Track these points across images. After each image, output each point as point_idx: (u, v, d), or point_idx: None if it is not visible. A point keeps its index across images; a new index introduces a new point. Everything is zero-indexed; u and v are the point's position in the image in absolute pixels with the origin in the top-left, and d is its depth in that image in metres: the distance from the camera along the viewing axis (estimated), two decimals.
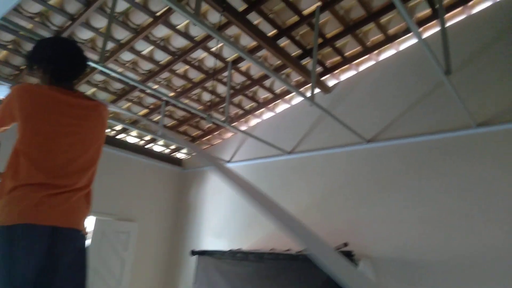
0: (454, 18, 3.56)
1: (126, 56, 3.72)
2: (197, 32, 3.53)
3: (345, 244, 3.38)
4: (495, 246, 2.90)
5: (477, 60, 3.36)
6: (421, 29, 3.63)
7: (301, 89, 4.44)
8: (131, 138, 5.26)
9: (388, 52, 3.97)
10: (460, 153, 3.27)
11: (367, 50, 3.92)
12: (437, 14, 3.43)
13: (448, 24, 3.55)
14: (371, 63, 4.11)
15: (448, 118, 3.37)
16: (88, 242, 1.75)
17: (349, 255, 3.39)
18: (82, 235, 1.66)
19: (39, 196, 1.51)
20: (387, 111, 3.83)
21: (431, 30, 3.65)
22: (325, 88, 4.32)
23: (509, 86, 3.14)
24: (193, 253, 4.37)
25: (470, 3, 3.44)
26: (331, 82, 4.40)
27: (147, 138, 5.30)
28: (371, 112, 3.95)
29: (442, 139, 3.39)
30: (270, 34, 3.60)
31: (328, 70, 4.20)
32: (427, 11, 3.50)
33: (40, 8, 3.04)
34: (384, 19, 3.61)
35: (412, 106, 3.66)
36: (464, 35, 3.45)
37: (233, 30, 3.56)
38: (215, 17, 3.29)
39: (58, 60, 1.71)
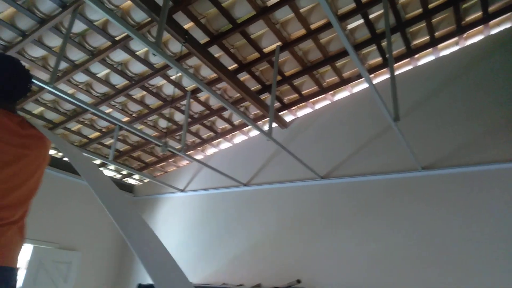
0: (402, 68, 3.83)
1: (80, 77, 3.59)
2: (157, 59, 3.50)
3: (298, 281, 3.37)
4: (438, 285, 3.00)
5: (422, 107, 3.60)
6: (372, 75, 3.85)
7: (259, 122, 4.50)
8: None
9: (343, 93, 4.16)
10: (406, 193, 3.42)
11: (323, 90, 4.07)
12: (387, 63, 3.66)
13: (397, 72, 3.81)
14: (326, 102, 4.27)
15: (396, 160, 3.54)
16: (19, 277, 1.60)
17: None
18: (15, 273, 1.51)
19: None
20: (340, 149, 3.96)
21: (382, 76, 3.88)
22: (282, 123, 4.41)
23: (451, 133, 3.38)
24: (140, 287, 4.13)
25: (417, 55, 3.72)
26: (288, 118, 4.50)
27: (97, 162, 5.06)
28: (325, 149, 4.07)
29: (390, 179, 3.54)
30: (230, 67, 3.65)
31: (286, 106, 4.30)
32: (378, 59, 3.72)
33: None
34: (339, 63, 3.79)
35: (363, 146, 3.82)
36: (411, 84, 3.70)
37: (194, 61, 3.57)
38: (176, 46, 3.29)
39: (5, 80, 1.56)
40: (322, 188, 3.93)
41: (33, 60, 3.26)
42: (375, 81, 3.89)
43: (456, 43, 3.62)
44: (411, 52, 3.64)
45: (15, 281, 1.51)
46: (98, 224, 5.06)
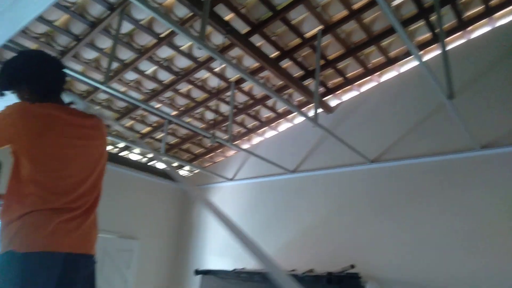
0: (454, 42, 3.60)
1: (130, 75, 3.76)
2: (201, 53, 3.58)
3: (352, 266, 3.34)
4: (497, 269, 2.85)
5: (478, 83, 3.38)
6: (421, 52, 3.66)
7: (303, 109, 4.47)
8: (134, 155, 5.28)
9: (390, 74, 4.00)
10: (463, 175, 3.25)
11: (368, 72, 3.95)
12: (437, 38, 3.47)
13: (448, 47, 3.59)
14: (372, 84, 4.13)
15: (450, 140, 3.37)
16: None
17: (356, 277, 3.35)
18: (94, 260, 1.65)
19: (54, 223, 1.47)
20: (390, 131, 3.83)
21: (431, 54, 3.69)
22: (327, 108, 4.34)
23: (510, 109, 3.15)
24: (197, 272, 4.32)
25: (470, 27, 3.48)
26: (333, 102, 4.42)
27: (150, 155, 5.31)
28: (374, 132, 3.96)
29: (445, 160, 3.38)
30: (272, 55, 3.64)
31: (330, 91, 4.23)
32: (427, 35, 3.54)
33: (45, 28, 3.10)
34: (385, 42, 3.65)
35: (414, 127, 3.67)
36: (465, 59, 3.48)
37: (236, 52, 3.60)
38: (218, 38, 3.34)
39: (44, 75, 1.60)
40: (372, 172, 3.84)
41: (87, 62, 3.46)
42: (424, 58, 3.70)
43: None
44: (463, 24, 3.41)
45: (93, 269, 1.66)
46: (154, 214, 5.33)
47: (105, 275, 4.44)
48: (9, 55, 3.28)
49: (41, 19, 2.92)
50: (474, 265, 2.98)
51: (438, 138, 3.47)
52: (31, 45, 3.18)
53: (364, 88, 4.21)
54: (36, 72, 1.60)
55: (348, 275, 3.38)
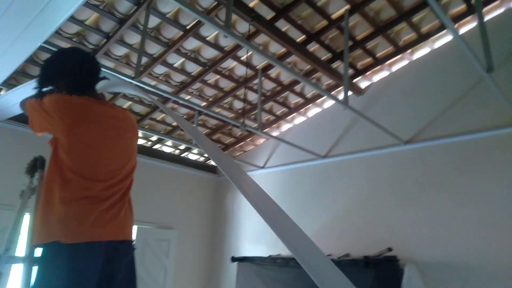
0: (491, 12, 3.41)
1: (159, 69, 3.83)
2: (227, 42, 3.58)
3: (389, 249, 3.30)
4: None
5: None
6: (456, 25, 3.49)
7: (333, 92, 4.39)
8: (167, 147, 5.40)
9: (422, 51, 3.86)
10: (505, 151, 3.10)
11: (399, 50, 3.82)
12: (472, 10, 3.29)
13: (485, 19, 3.40)
14: (404, 62, 4.00)
15: (491, 116, 3.22)
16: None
17: (393, 260, 3.31)
18: (133, 246, 1.71)
19: (96, 212, 1.51)
20: (424, 111, 3.71)
21: (466, 27, 3.51)
22: (357, 90, 4.25)
23: None
24: (233, 259, 4.41)
25: None
26: (363, 84, 4.32)
27: (182, 147, 5.42)
28: (407, 113, 3.85)
29: (485, 137, 3.24)
30: (299, 39, 3.59)
31: (360, 72, 4.13)
32: (461, 7, 3.37)
33: (77, 28, 3.20)
34: (416, 18, 3.51)
35: (450, 106, 3.53)
36: (503, 30, 3.28)
37: (262, 38, 3.58)
38: (243, 26, 3.33)
39: (78, 70, 1.68)
40: (407, 153, 3.75)
41: (117, 58, 3.55)
42: (459, 32, 3.53)
43: None
44: None
45: (133, 255, 1.72)
46: (189, 204, 5.46)
47: (145, 265, 4.61)
48: (45, 56, 3.41)
49: (72, 19, 3.01)
50: (505, 245, 2.86)
51: (476, 115, 3.32)
52: (65, 45, 3.29)
53: (396, 68, 4.08)
54: (71, 68, 1.68)
55: (385, 258, 3.35)
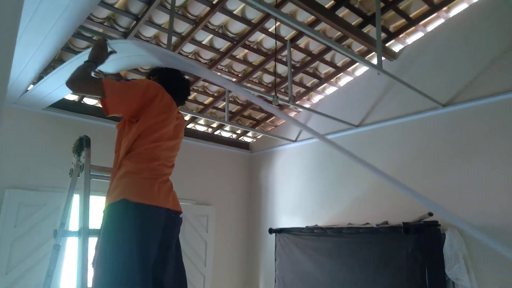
0: None
1: (188, 47, 3.86)
2: (254, 14, 3.54)
3: (430, 214, 3.24)
4: None
5: None
6: None
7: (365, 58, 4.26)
8: (200, 126, 5.49)
9: (459, 7, 3.64)
10: None
11: (434, 8, 3.63)
12: None
13: None
14: (440, 21, 3.80)
15: None
16: None
17: (434, 225, 3.27)
18: (182, 218, 1.93)
19: (157, 182, 1.75)
20: (462, 72, 3.54)
21: None
22: (390, 55, 4.11)
23: None
24: (271, 231, 4.50)
25: None
26: (396, 48, 4.17)
27: (214, 125, 5.49)
28: (444, 75, 3.69)
29: None
30: (327, 5, 3.49)
31: (392, 35, 3.97)
32: None
33: (107, 12, 3.26)
34: None
35: (490, 64, 3.34)
36: None
37: (288, 8, 3.51)
38: None
39: (178, 87, 2.11)
40: (445, 117, 3.61)
41: (148, 40, 3.60)
42: None
43: None
44: None
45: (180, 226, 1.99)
46: (225, 180, 5.58)
47: (186, 239, 4.80)
48: (80, 43, 3.52)
49: (102, 3, 3.07)
50: None
51: None
52: (97, 29, 3.38)
53: (431, 28, 3.89)
54: (176, 84, 2.08)
55: (426, 223, 3.30)
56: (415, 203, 3.60)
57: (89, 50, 1.93)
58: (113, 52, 1.95)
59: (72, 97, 4.28)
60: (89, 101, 4.43)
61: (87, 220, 1.92)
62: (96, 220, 1.99)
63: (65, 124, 4.10)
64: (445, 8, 3.65)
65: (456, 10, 3.67)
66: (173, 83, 2.05)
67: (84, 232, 1.90)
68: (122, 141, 1.86)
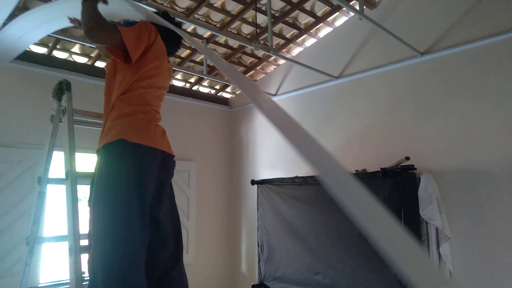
0: None
1: None
2: None
3: (407, 158, 3.37)
4: None
5: None
6: None
7: (343, 9, 4.21)
8: (177, 82, 5.37)
9: None
10: None
11: None
12: None
13: None
14: None
15: None
16: None
17: (410, 169, 3.40)
18: (175, 162, 1.98)
19: (152, 124, 1.77)
20: (441, 19, 3.57)
21: None
22: (370, 3, 4.07)
23: None
24: (253, 182, 4.58)
25: None
26: None
27: (192, 80, 5.38)
28: (423, 23, 3.71)
29: (506, 40, 3.14)
30: None
31: None
32: None
33: None
34: None
35: (471, 9, 3.37)
36: None
37: None
38: None
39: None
40: (423, 65, 3.68)
41: None
42: None
43: None
44: None
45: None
46: (205, 136, 5.57)
47: None
48: None
49: None
50: None
51: (499, 16, 3.18)
52: None
53: None
54: (170, 32, 1.96)
55: (402, 167, 3.43)
56: (395, 151, 3.74)
57: None
58: None
59: (41, 49, 4.05)
60: (60, 54, 4.21)
61: (74, 164, 1.89)
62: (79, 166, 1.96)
63: (35, 78, 3.90)
64: None
65: None
66: (168, 31, 1.97)
67: (72, 176, 1.87)
68: (112, 82, 1.81)
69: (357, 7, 3.11)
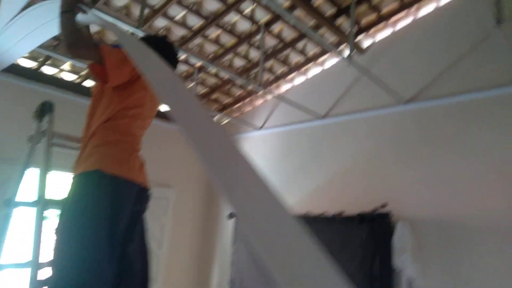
0: None
1: (160, 22, 3.73)
2: None
3: (383, 205, 3.39)
4: None
5: None
6: None
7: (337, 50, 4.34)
8: (161, 107, 5.34)
9: (428, 8, 3.80)
10: (506, 112, 3.12)
11: (404, 5, 3.75)
12: None
13: None
14: (408, 20, 3.94)
15: (497, 73, 3.19)
16: None
17: (387, 216, 3.41)
18: (150, 196, 1.89)
19: (132, 156, 1.70)
20: (428, 69, 3.70)
21: None
22: (359, 49, 4.21)
23: None
24: (231, 216, 4.50)
25: None
26: (365, 43, 4.27)
27: None
28: (409, 72, 3.84)
29: (489, 96, 3.24)
30: None
31: (363, 30, 4.07)
32: None
33: None
34: None
35: (455, 63, 3.52)
36: None
37: None
38: None
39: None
40: (408, 112, 3.77)
41: (118, 10, 3.43)
42: None
43: None
44: None
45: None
46: (186, 163, 5.49)
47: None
48: None
49: None
50: (500, 203, 2.96)
51: (481, 72, 3.31)
52: None
53: (400, 26, 4.02)
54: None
55: (379, 214, 3.44)
56: (373, 196, 3.75)
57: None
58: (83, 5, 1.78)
59: (29, 63, 4.00)
60: (48, 70, 4.16)
61: (44, 190, 1.82)
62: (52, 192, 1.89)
63: (20, 92, 3.83)
64: (414, 7, 3.79)
65: (425, 10, 3.82)
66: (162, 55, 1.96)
67: (42, 202, 1.80)
68: (97, 105, 1.76)
69: (348, 52, 3.20)
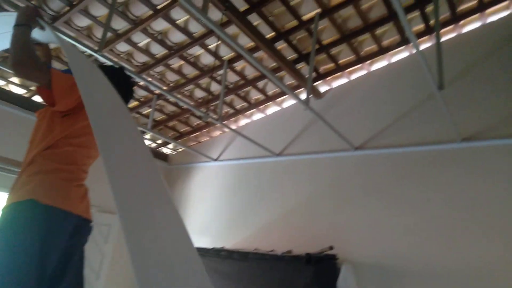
0: (446, 35, 3.70)
1: (122, 46, 3.69)
2: (196, 28, 3.54)
3: (331, 248, 3.44)
4: (476, 258, 2.98)
5: (467, 76, 3.49)
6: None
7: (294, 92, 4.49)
8: None
9: (380, 63, 4.08)
10: (445, 165, 3.37)
11: (360, 59, 4.01)
12: (429, 30, 3.56)
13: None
14: (363, 72, 4.21)
15: (436, 131, 3.48)
16: None
17: (333, 258, 3.45)
18: (92, 228, 1.78)
19: (72, 186, 1.63)
20: (377, 120, 3.93)
21: (424, 45, 3.77)
22: (316, 94, 4.40)
23: (497, 103, 3.27)
24: None
25: (461, 22, 3.59)
26: (322, 88, 4.48)
27: None
28: (361, 120, 4.05)
29: (428, 151, 3.50)
30: (268, 36, 3.65)
31: (321, 76, 4.27)
32: (420, 26, 3.62)
33: None
34: (379, 31, 3.71)
35: (401, 117, 3.77)
36: (455, 52, 3.57)
37: (231, 30, 3.58)
38: (216, 15, 3.30)
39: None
40: (357, 159, 3.94)
41: (79, 29, 3.36)
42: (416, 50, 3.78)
43: (507, 7, 3.44)
44: (456, 18, 3.51)
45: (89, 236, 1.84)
46: None
47: None
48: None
49: None
50: (455, 254, 3.10)
51: (424, 128, 3.57)
52: (20, 4, 3.06)
53: (354, 76, 4.28)
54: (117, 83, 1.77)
55: (326, 256, 3.49)
56: (319, 236, 3.81)
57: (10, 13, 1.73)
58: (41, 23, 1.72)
59: None
60: None
61: None
62: None
63: None
64: (368, 62, 4.06)
65: (378, 65, 4.11)
66: (117, 84, 1.90)
67: None
68: (40, 131, 1.67)
69: (304, 96, 3.32)
